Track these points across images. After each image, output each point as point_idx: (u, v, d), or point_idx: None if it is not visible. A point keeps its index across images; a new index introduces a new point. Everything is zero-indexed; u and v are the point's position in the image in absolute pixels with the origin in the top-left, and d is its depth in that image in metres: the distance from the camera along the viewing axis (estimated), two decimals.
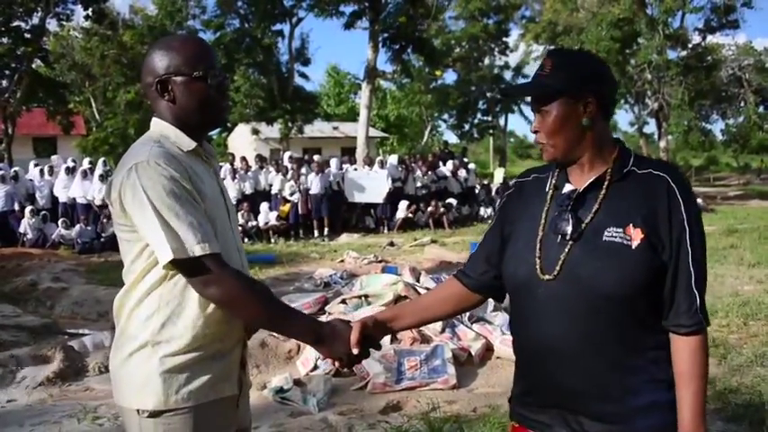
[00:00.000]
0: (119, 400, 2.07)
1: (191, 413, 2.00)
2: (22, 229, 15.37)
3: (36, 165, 17.14)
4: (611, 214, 1.86)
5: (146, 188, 1.89)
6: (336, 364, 2.14)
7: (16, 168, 17.08)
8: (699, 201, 20.65)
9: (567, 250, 1.87)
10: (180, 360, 1.98)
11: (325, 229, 17.33)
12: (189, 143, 2.06)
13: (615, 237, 1.82)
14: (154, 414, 1.98)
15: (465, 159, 23.08)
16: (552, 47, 40.14)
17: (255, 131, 31.75)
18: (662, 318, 1.85)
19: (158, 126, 2.09)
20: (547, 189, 2.01)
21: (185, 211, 1.90)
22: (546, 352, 1.91)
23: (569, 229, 1.88)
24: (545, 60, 1.92)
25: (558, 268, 1.87)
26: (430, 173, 19.93)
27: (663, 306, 1.84)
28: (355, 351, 2.08)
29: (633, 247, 1.80)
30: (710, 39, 33.88)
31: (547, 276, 1.88)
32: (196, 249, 1.88)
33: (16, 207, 15.81)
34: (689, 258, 1.80)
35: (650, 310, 1.84)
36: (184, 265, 1.91)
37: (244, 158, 17.89)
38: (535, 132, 1.95)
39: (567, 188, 1.96)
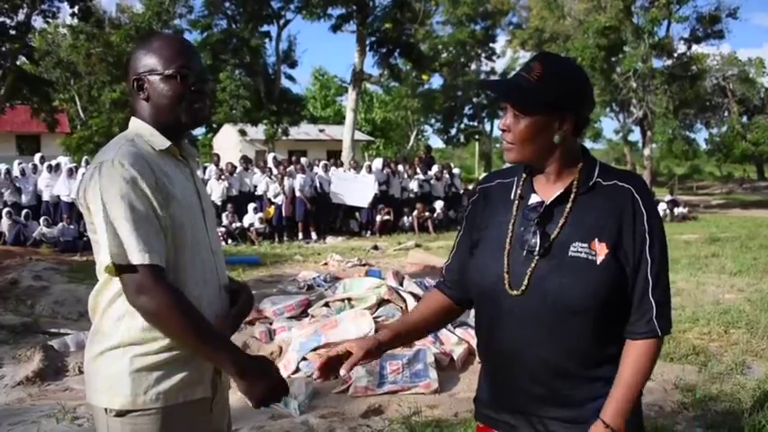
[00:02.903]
0: (89, 397, 2.05)
1: (159, 414, 1.98)
2: (1, 229, 15.26)
3: (19, 163, 17.01)
4: (578, 228, 1.86)
5: (103, 189, 1.88)
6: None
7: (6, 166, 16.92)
8: (682, 209, 20.74)
9: (533, 265, 1.87)
10: (150, 361, 1.97)
11: (313, 233, 17.30)
12: (162, 142, 2.05)
13: (581, 252, 1.82)
14: (121, 413, 1.97)
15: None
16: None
17: (243, 133, 31.65)
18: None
19: (135, 124, 2.09)
20: (512, 197, 2.00)
21: (134, 218, 1.88)
22: (510, 361, 1.92)
23: (536, 243, 1.88)
24: (534, 64, 1.86)
25: (525, 283, 1.87)
26: (417, 176, 19.93)
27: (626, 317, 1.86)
28: (317, 374, 2.02)
29: (598, 262, 1.81)
30: (695, 48, 34.18)
31: (515, 292, 1.88)
32: (135, 257, 1.86)
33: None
34: (648, 268, 1.81)
35: (614, 323, 1.85)
36: (122, 271, 1.89)
37: (230, 163, 17.82)
38: (503, 130, 1.91)
39: (534, 199, 1.94)
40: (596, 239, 1.82)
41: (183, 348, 1.99)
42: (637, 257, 1.82)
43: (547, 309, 1.84)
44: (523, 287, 1.86)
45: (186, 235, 1.99)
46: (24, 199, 16.29)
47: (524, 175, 1.99)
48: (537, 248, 1.87)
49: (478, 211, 2.10)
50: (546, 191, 1.93)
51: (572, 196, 1.88)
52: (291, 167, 17.83)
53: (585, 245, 1.83)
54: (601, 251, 1.81)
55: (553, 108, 1.84)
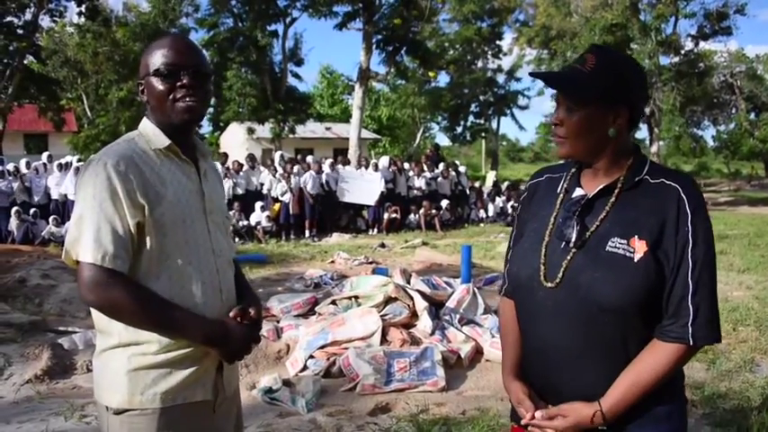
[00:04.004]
0: (95, 394, 2.08)
1: (155, 415, 1.98)
2: (11, 228, 15.30)
3: (27, 162, 17.05)
4: (618, 224, 1.80)
5: (81, 185, 1.95)
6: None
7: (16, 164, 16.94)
8: None
9: (569, 257, 1.82)
10: (148, 361, 1.97)
11: (313, 229, 17.30)
12: (161, 141, 2.06)
13: (618, 248, 1.77)
14: (119, 412, 1.98)
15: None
16: (545, 51, 40.33)
17: (251, 131, 31.64)
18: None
19: (143, 123, 2.13)
20: (558, 191, 1.97)
21: (99, 217, 1.91)
22: (542, 355, 1.87)
23: (573, 235, 1.83)
24: (587, 55, 1.82)
25: (560, 275, 1.82)
26: (424, 174, 19.89)
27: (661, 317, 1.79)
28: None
29: (635, 260, 1.74)
30: (703, 45, 34.08)
31: (549, 284, 1.83)
32: (85, 255, 1.90)
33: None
34: (688, 271, 1.74)
35: (648, 323, 1.78)
36: (78, 265, 1.93)
37: (237, 161, 17.84)
38: (555, 125, 1.87)
39: (578, 193, 1.90)
40: (636, 237, 1.76)
41: (179, 347, 2.00)
42: (677, 259, 1.75)
43: (578, 303, 1.78)
44: (558, 279, 1.82)
45: (177, 235, 2.01)
46: (36, 198, 16.33)
47: (573, 170, 1.96)
48: (573, 240, 1.82)
49: (525, 207, 2.07)
50: (591, 185, 1.89)
51: (616, 191, 1.84)
52: (298, 166, 17.83)
53: (624, 241, 1.77)
54: (639, 249, 1.75)
55: (607, 99, 1.79)
